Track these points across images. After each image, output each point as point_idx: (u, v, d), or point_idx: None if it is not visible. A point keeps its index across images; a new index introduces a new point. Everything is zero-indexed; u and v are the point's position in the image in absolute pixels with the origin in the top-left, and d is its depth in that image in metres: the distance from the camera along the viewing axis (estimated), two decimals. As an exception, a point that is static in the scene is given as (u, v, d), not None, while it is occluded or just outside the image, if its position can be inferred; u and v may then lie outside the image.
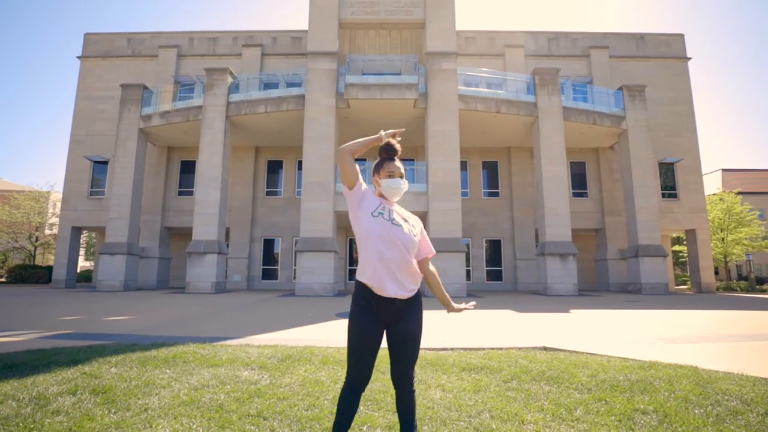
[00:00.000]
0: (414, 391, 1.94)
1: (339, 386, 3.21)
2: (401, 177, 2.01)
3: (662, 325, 7.40)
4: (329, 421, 2.49)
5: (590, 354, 4.67)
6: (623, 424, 2.52)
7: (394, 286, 1.83)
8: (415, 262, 1.93)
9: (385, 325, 1.89)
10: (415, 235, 1.93)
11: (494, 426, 2.44)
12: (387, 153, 2.02)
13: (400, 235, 1.87)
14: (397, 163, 2.03)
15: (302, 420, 2.52)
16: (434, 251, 2.04)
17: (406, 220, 1.96)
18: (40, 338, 5.59)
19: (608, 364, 4.04)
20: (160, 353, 4.38)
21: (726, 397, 2.99)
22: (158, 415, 2.60)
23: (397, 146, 2.04)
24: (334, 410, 2.63)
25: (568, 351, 4.86)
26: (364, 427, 2.42)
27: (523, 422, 2.53)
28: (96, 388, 3.10)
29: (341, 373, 3.60)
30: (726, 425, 2.49)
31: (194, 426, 2.40)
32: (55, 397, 2.91)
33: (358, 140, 1.93)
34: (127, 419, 2.51)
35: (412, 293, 1.90)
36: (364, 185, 1.98)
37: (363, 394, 2.99)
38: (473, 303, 2.08)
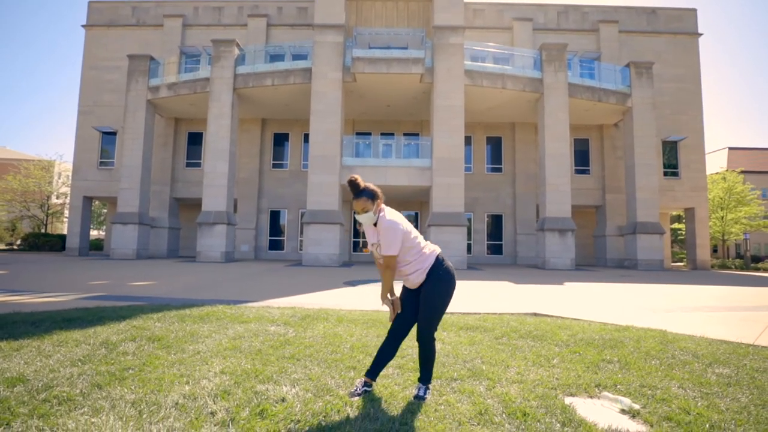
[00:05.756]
0: (429, 348, 2.51)
1: (355, 339, 3.78)
2: (361, 212, 2.41)
3: (648, 297, 7.97)
4: (350, 362, 3.06)
5: (574, 319, 5.23)
6: (590, 369, 3.07)
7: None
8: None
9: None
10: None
11: (484, 368, 3.00)
12: (352, 191, 2.43)
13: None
14: (359, 201, 2.40)
15: (328, 361, 3.09)
16: (385, 253, 2.42)
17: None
18: (79, 299, 6.19)
19: (588, 327, 4.60)
20: (194, 312, 4.97)
21: (681, 353, 3.54)
22: (210, 356, 3.17)
23: (359, 183, 2.40)
24: (354, 355, 3.21)
25: (556, 316, 5.43)
26: (379, 367, 2.97)
27: (508, 366, 3.08)
28: (151, 337, 3.68)
29: (356, 330, 4.17)
30: (674, 372, 3.03)
31: (242, 363, 2.97)
32: (119, 342, 3.48)
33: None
34: (186, 359, 3.08)
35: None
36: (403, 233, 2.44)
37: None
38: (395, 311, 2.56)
